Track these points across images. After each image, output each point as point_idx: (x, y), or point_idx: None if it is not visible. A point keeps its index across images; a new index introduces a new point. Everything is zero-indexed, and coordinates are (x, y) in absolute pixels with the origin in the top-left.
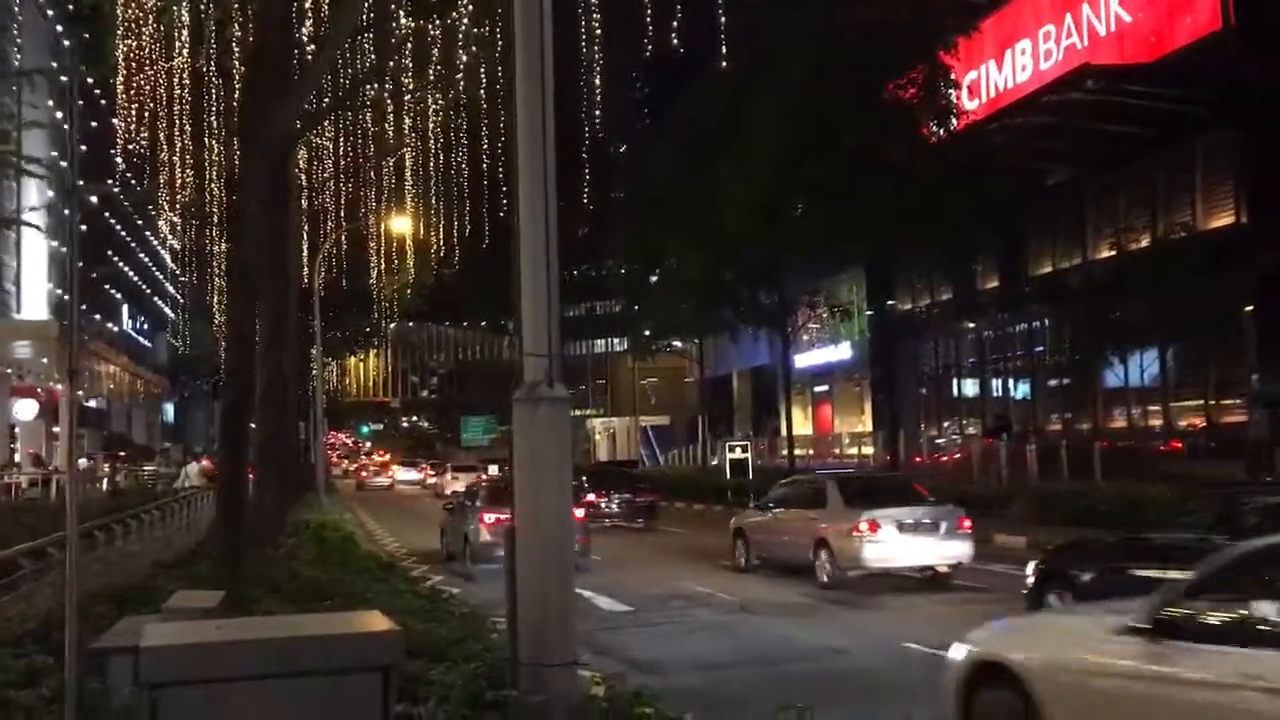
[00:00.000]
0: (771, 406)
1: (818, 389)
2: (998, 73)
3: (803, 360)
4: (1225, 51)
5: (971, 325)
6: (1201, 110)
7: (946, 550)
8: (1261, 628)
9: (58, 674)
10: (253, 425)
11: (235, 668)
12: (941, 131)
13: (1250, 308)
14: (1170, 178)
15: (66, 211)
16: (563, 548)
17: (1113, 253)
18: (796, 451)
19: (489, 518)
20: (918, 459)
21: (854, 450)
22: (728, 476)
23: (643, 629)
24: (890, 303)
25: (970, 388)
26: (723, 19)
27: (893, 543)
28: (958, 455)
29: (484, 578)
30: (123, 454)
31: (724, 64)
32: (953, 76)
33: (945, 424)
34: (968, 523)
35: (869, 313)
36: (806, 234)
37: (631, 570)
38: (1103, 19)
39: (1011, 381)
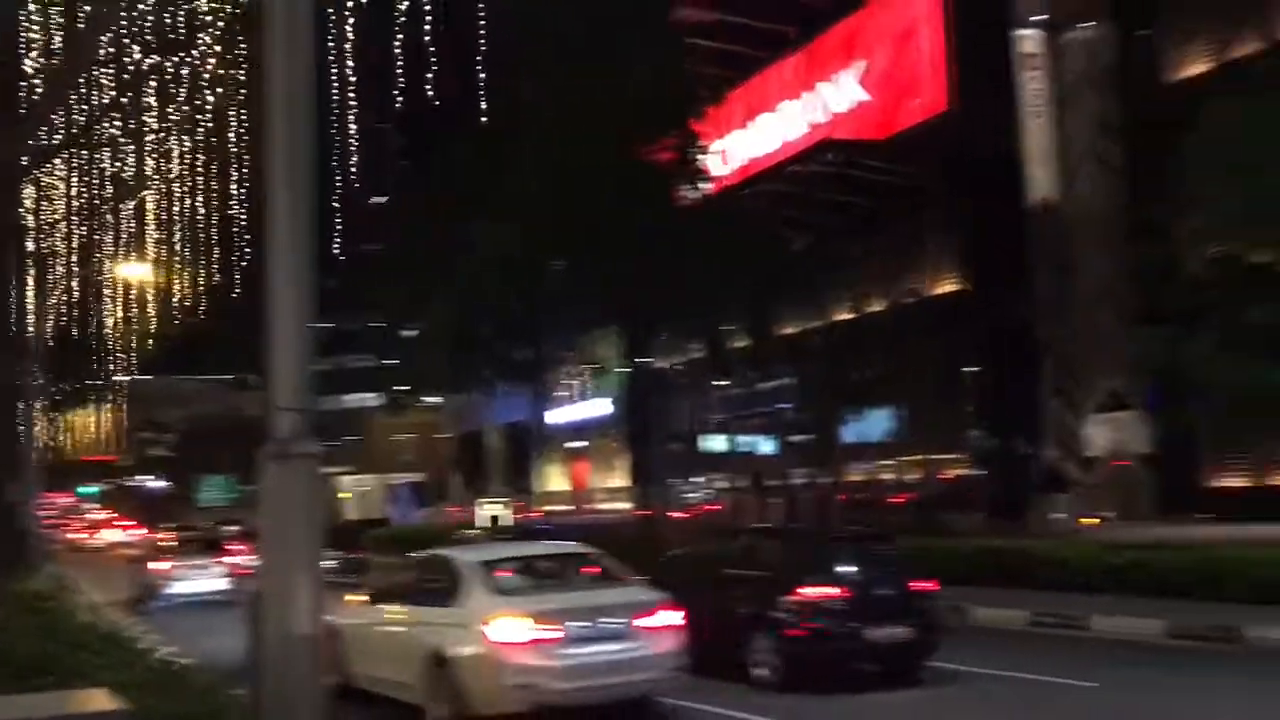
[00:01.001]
0: (527, 462)
1: (574, 445)
2: (746, 142)
3: (559, 416)
4: (950, 132)
5: (721, 383)
6: (927, 185)
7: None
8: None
9: None
10: None
11: None
12: (693, 196)
13: (972, 369)
14: (901, 247)
15: None
16: (314, 614)
17: (850, 315)
18: (554, 507)
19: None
20: (675, 514)
21: (609, 505)
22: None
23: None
24: (645, 360)
25: (719, 443)
26: (482, 74)
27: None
28: (713, 509)
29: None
30: None
31: (483, 119)
32: (703, 143)
33: (697, 479)
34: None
35: (624, 369)
36: (563, 292)
37: None
38: (841, 97)
39: (759, 437)
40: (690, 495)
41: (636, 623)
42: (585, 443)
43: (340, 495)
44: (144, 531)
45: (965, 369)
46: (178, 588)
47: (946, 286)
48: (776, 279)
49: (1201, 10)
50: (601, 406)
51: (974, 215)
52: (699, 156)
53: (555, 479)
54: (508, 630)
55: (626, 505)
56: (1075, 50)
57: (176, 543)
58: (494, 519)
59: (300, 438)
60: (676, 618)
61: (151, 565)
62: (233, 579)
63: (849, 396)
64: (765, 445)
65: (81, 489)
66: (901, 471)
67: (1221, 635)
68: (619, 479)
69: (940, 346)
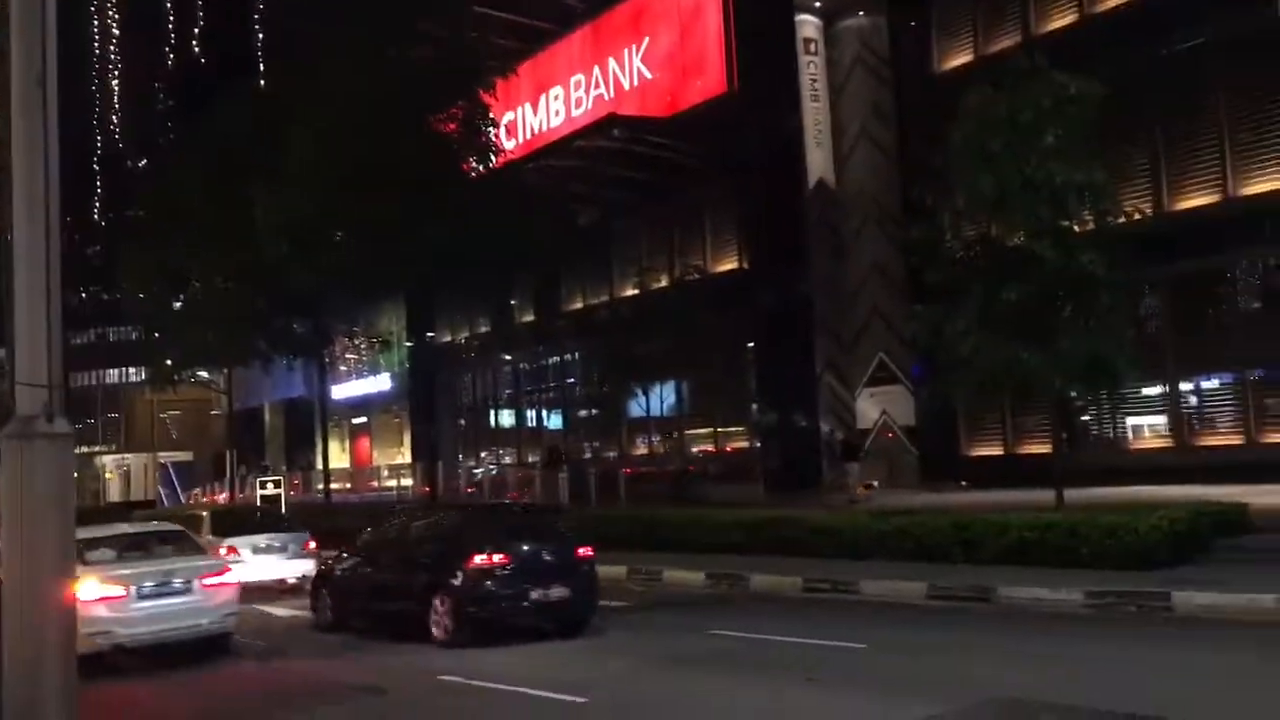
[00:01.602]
0: (307, 439)
1: (356, 420)
2: (534, 115)
3: (341, 392)
4: (731, 112)
5: (508, 358)
6: (709, 164)
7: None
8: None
9: None
10: None
11: None
12: (481, 168)
13: (751, 344)
14: (685, 225)
15: None
16: (64, 609)
17: (636, 292)
18: (335, 485)
19: None
20: (469, 489)
21: (393, 482)
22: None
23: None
24: (430, 334)
25: (507, 418)
26: (260, 34)
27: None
28: (505, 482)
29: None
30: None
31: (262, 82)
32: (491, 115)
33: (483, 454)
34: (313, 544)
35: (409, 344)
36: (345, 264)
37: None
38: (627, 74)
39: (546, 412)
40: (477, 470)
41: (201, 582)
42: (368, 419)
43: (105, 476)
44: None
45: (747, 345)
46: None
47: (728, 264)
48: (563, 254)
49: (966, 5)
50: (385, 382)
51: (754, 195)
52: (487, 128)
53: (336, 456)
54: (85, 590)
55: (409, 481)
56: (850, 37)
57: None
58: (266, 498)
59: (47, 416)
60: (231, 579)
61: None
62: None
63: (635, 372)
64: (554, 420)
65: None
66: (685, 445)
67: (977, 595)
68: (403, 455)
69: (723, 323)
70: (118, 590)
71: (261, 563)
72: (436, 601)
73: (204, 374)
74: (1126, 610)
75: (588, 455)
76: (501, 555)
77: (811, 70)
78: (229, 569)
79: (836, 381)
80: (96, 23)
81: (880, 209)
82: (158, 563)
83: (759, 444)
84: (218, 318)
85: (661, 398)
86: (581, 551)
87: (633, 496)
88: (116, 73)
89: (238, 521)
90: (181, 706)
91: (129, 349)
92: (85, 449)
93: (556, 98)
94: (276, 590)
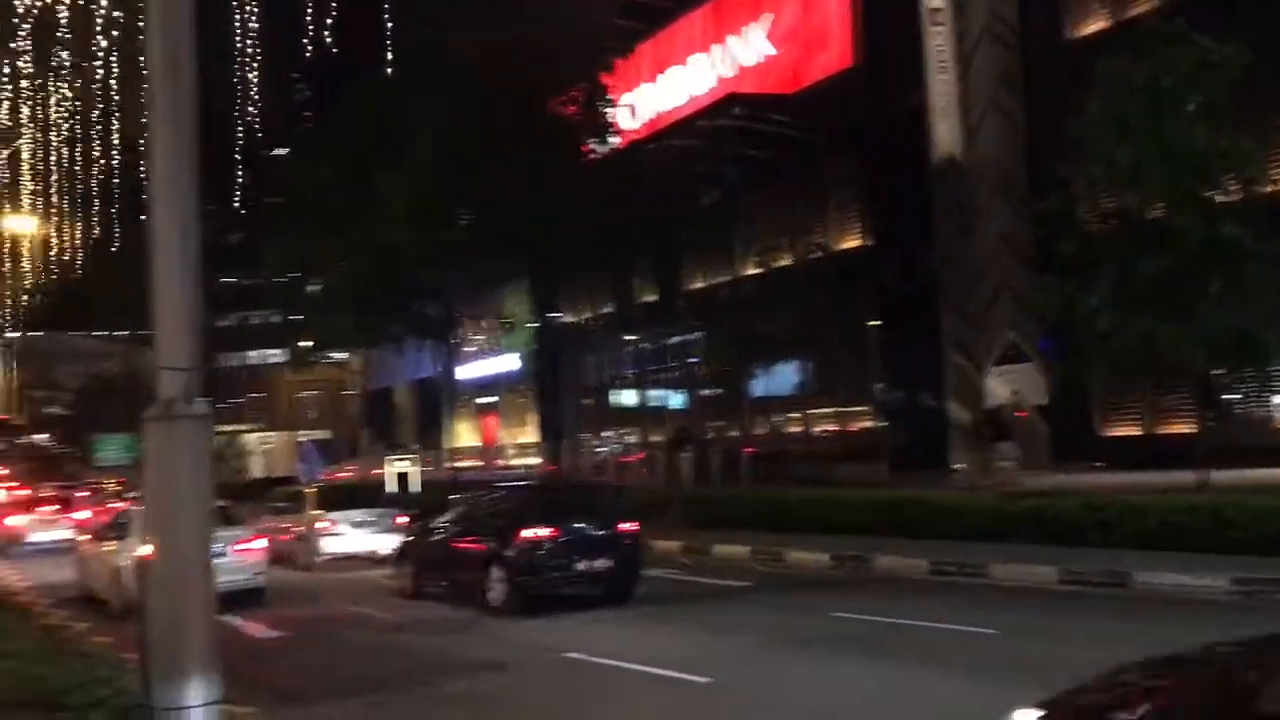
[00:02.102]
0: (437, 418)
1: (483, 400)
2: (654, 95)
3: (469, 372)
4: (854, 87)
5: (630, 337)
6: (832, 140)
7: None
8: None
9: None
10: None
11: None
12: (601, 149)
13: (876, 323)
14: (807, 202)
15: None
16: (201, 579)
17: (758, 270)
18: (465, 463)
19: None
20: (593, 468)
21: (519, 460)
22: (386, 490)
23: (293, 656)
24: (553, 315)
25: (629, 398)
26: (389, 25)
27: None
28: (630, 461)
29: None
30: None
31: (389, 70)
32: (610, 97)
33: (606, 433)
34: (402, 520)
35: (533, 325)
36: (470, 247)
37: (296, 597)
38: (748, 51)
39: (668, 392)
40: (601, 449)
41: (233, 548)
42: (495, 398)
43: (247, 453)
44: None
45: (871, 322)
46: (33, 538)
47: (852, 241)
48: (683, 233)
49: None
50: (511, 362)
51: (878, 170)
52: (607, 110)
53: (465, 435)
54: (143, 552)
55: (536, 460)
56: (978, 6)
57: (37, 502)
58: (401, 475)
59: (186, 398)
60: (259, 546)
61: (10, 521)
62: (76, 530)
63: (757, 351)
64: (675, 399)
65: None
66: (808, 424)
67: (1112, 580)
68: (529, 434)
69: (846, 300)
70: None
71: (357, 536)
72: (493, 571)
73: (339, 355)
74: (1276, 599)
75: (710, 435)
76: (549, 529)
77: (938, 41)
78: (260, 537)
79: (963, 359)
80: (238, 18)
81: (1008, 181)
82: None
83: (884, 423)
84: (351, 302)
85: (784, 377)
86: (625, 526)
87: (755, 476)
88: (255, 65)
89: (343, 498)
90: (302, 677)
91: (271, 331)
92: (231, 427)
93: (676, 77)
94: (370, 560)
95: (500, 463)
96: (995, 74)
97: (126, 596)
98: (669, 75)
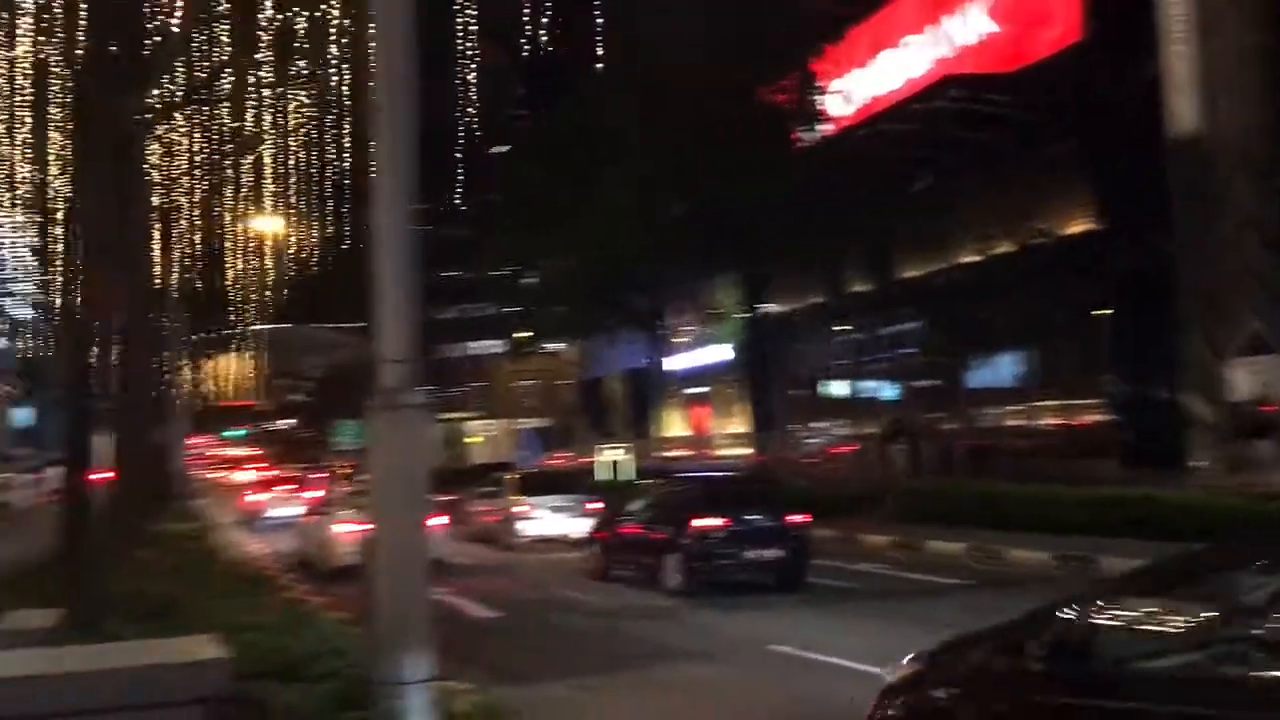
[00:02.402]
0: (647, 408)
1: (694, 390)
2: (866, 80)
3: (679, 362)
4: (1082, 63)
5: (842, 327)
6: (1059, 119)
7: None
8: None
9: None
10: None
11: (35, 704)
12: (811, 137)
13: (1106, 311)
14: (1029, 185)
15: None
16: (420, 560)
17: (977, 257)
18: (675, 453)
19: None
20: (803, 459)
21: (729, 451)
22: (596, 478)
23: (510, 637)
24: (764, 306)
25: (841, 389)
26: (599, 21)
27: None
28: (841, 453)
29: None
30: None
31: (599, 67)
32: (819, 84)
33: (816, 424)
34: (595, 506)
35: (743, 315)
36: (683, 240)
37: (500, 575)
38: (966, 31)
39: (881, 383)
40: (812, 441)
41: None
42: (705, 389)
43: (467, 440)
44: (274, 472)
45: (1100, 310)
46: (271, 513)
47: (1078, 225)
48: (898, 220)
49: None
50: (721, 352)
51: (1107, 150)
52: (817, 97)
53: (675, 425)
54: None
55: (746, 451)
56: None
57: (277, 481)
58: (614, 464)
59: (406, 388)
60: (441, 522)
61: (253, 498)
62: (305, 507)
63: (975, 341)
64: (888, 391)
65: (227, 432)
66: (1030, 417)
67: None
68: (739, 425)
69: (1072, 287)
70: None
71: (552, 520)
72: (668, 557)
73: (554, 346)
74: None
75: (924, 427)
76: (720, 520)
77: (1175, 10)
78: (438, 514)
79: (1204, 349)
80: (458, 18)
81: (1253, 159)
82: None
83: (1114, 417)
84: (567, 295)
85: (1003, 367)
86: (793, 519)
87: (972, 470)
88: (475, 66)
89: (547, 483)
90: (529, 659)
91: (491, 323)
92: (454, 415)
93: (890, 60)
94: (564, 543)
95: (710, 453)
96: (1238, 45)
97: (329, 562)
98: (882, 59)
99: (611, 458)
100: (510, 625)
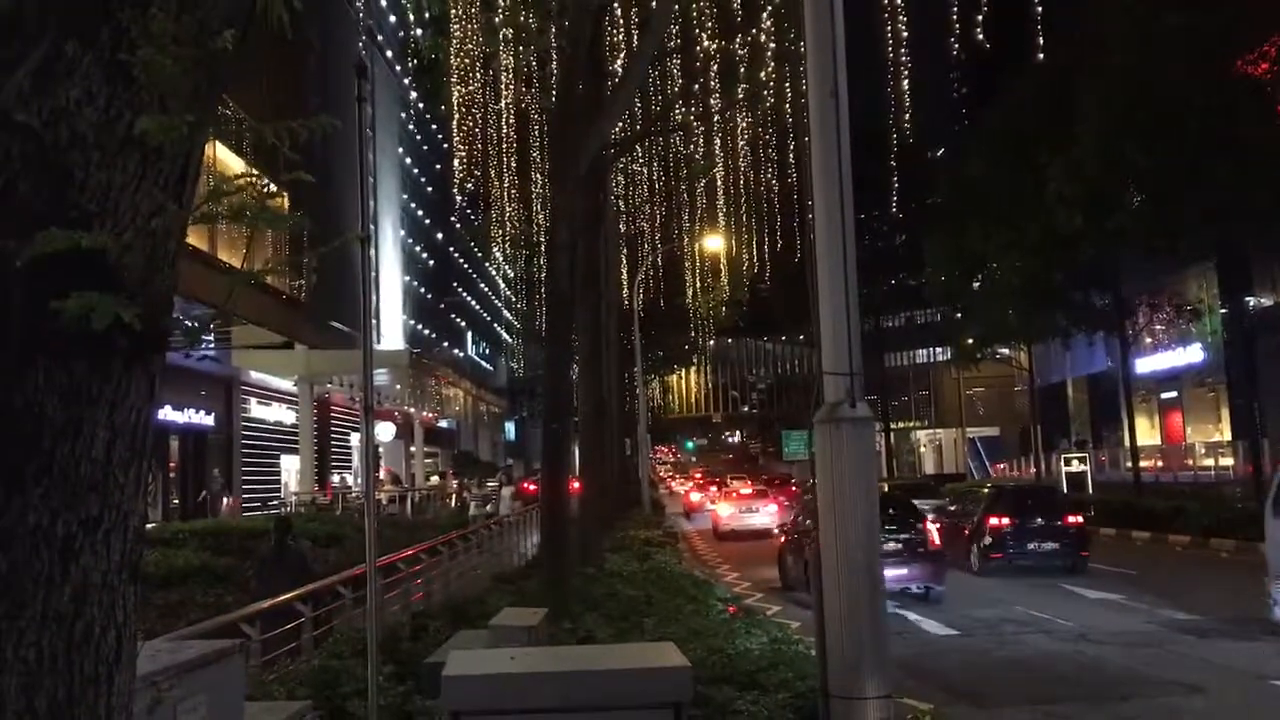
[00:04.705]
0: (1112, 415)
1: (1165, 395)
2: None
3: (1146, 365)
4: None
5: None
6: None
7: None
8: None
9: (395, 684)
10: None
11: (528, 700)
12: None
13: None
14: None
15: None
16: (872, 573)
17: None
18: (1144, 463)
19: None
20: None
21: (1209, 461)
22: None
23: (968, 655)
24: (1247, 298)
25: None
26: (1039, 8)
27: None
28: None
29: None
30: (450, 473)
31: (1041, 55)
32: None
33: None
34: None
35: (1222, 310)
36: (1143, 227)
37: (956, 590)
38: None
39: None
40: None
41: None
42: (1177, 393)
43: (919, 449)
44: (740, 485)
45: None
46: (733, 524)
47: None
48: None
49: None
50: (1196, 353)
51: None
52: None
53: (1144, 432)
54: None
55: (1229, 461)
56: None
57: (732, 492)
58: (1069, 475)
59: (849, 401)
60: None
61: (713, 506)
62: (777, 517)
63: None
64: None
65: (689, 444)
66: None
67: None
68: (1220, 433)
69: None
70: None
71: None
72: (973, 547)
73: (1004, 351)
74: None
75: None
76: (1009, 519)
77: None
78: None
79: None
80: (889, 29)
81: None
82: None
83: None
84: (1014, 295)
85: None
86: (1071, 519)
87: None
88: (907, 73)
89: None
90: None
91: (935, 329)
92: (900, 424)
93: None
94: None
95: (1188, 463)
96: None
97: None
98: None
99: (1073, 469)
100: (974, 645)
